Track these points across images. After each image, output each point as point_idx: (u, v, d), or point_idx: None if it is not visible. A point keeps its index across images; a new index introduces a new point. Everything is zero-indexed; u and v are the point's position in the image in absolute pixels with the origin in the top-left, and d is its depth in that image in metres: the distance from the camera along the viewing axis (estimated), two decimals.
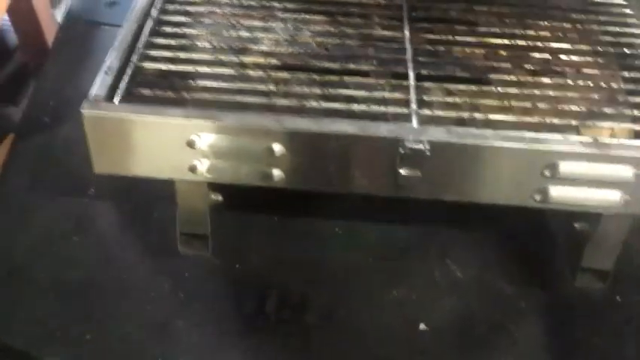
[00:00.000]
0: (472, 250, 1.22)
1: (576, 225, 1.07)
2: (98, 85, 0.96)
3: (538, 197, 0.96)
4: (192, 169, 0.96)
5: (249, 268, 1.17)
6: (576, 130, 0.99)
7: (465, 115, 0.98)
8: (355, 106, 0.98)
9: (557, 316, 1.13)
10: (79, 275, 1.13)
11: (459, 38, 1.11)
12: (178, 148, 0.94)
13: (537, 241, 1.21)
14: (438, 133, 0.93)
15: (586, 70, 1.07)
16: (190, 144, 0.93)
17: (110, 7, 1.49)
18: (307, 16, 1.15)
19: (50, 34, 1.51)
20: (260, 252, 1.19)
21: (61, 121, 1.34)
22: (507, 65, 1.07)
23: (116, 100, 0.95)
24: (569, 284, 1.14)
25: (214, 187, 1.06)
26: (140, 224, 1.21)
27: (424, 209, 1.25)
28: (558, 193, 0.95)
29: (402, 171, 0.94)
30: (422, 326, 1.11)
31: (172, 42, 1.07)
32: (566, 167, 0.92)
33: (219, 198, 1.07)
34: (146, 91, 0.97)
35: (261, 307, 1.12)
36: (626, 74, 1.07)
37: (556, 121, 0.98)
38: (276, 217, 1.23)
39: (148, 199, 1.22)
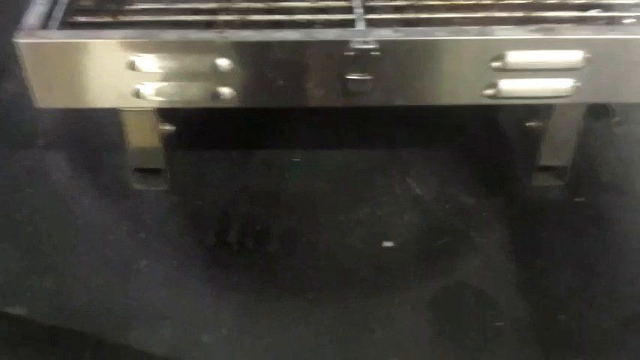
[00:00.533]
0: (433, 168, 1.21)
1: (529, 124, 1.06)
2: (32, 15, 0.92)
3: (490, 92, 0.95)
4: (136, 93, 0.93)
5: (209, 202, 1.15)
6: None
7: (412, 15, 0.97)
8: (299, 17, 0.96)
9: (520, 219, 1.13)
10: (35, 226, 1.10)
11: None
12: (120, 71, 0.91)
13: (496, 150, 1.21)
14: (384, 32, 0.91)
15: None
16: (131, 66, 0.90)
17: None
18: None
19: None
20: (219, 186, 1.17)
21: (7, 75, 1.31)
22: None
23: (52, 27, 0.91)
24: (530, 187, 1.15)
25: (165, 117, 1.04)
26: (95, 171, 1.18)
27: (384, 133, 1.25)
28: (509, 85, 0.94)
29: (352, 76, 0.92)
30: (386, 243, 1.10)
31: None
32: (513, 57, 0.92)
33: (172, 128, 1.04)
34: (82, 18, 0.94)
35: (223, 238, 1.10)
36: None
37: (502, 14, 0.97)
38: (234, 150, 1.21)
39: (100, 145, 1.20)
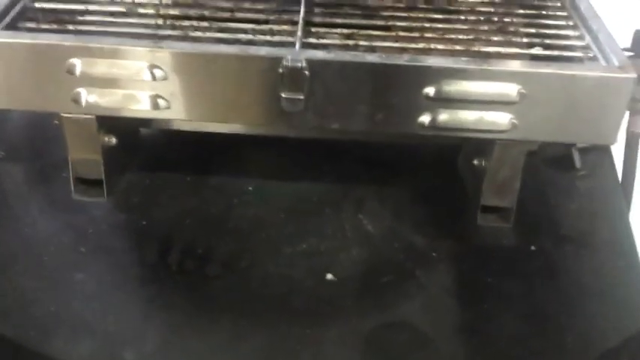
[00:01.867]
0: (386, 205, 1.19)
1: (474, 161, 1.05)
2: None
3: (424, 121, 0.94)
4: (76, 98, 0.95)
5: (154, 222, 1.14)
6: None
7: (351, 42, 0.98)
8: (241, 36, 0.98)
9: (469, 262, 1.09)
10: None
11: None
12: (57, 75, 0.93)
13: (450, 189, 1.19)
14: (318, 53, 0.92)
15: (480, 9, 1.07)
16: (70, 70, 0.93)
17: None
18: None
19: None
20: (167, 207, 1.16)
21: None
22: (402, 5, 1.07)
23: None
24: (481, 230, 1.12)
25: (106, 128, 1.05)
26: (48, 181, 1.19)
27: (338, 168, 1.25)
28: (443, 116, 0.94)
29: (284, 94, 0.93)
30: (329, 276, 1.08)
31: None
32: (447, 87, 0.91)
33: (113, 140, 1.05)
34: (30, 24, 0.98)
35: (164, 258, 1.09)
36: (521, 11, 1.07)
37: (441, 46, 0.97)
38: (186, 174, 1.22)
39: (55, 154, 1.21)
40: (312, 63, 0.91)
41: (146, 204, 1.16)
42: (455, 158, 1.21)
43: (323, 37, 0.99)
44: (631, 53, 1.11)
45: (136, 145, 1.18)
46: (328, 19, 1.03)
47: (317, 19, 1.03)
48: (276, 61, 0.91)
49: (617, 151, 1.28)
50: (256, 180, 1.22)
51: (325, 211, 1.18)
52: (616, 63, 0.92)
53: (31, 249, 1.09)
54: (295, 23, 1.01)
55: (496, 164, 1.01)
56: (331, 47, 0.96)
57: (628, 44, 1.23)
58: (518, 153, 1.00)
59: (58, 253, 1.09)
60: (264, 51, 0.92)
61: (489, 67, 0.91)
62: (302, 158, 1.24)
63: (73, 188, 1.10)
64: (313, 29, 1.00)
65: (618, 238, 1.15)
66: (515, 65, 0.92)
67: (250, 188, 1.21)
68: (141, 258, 1.09)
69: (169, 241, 1.11)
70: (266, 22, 1.02)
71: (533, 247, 1.12)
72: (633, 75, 0.89)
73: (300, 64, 0.91)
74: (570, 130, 0.95)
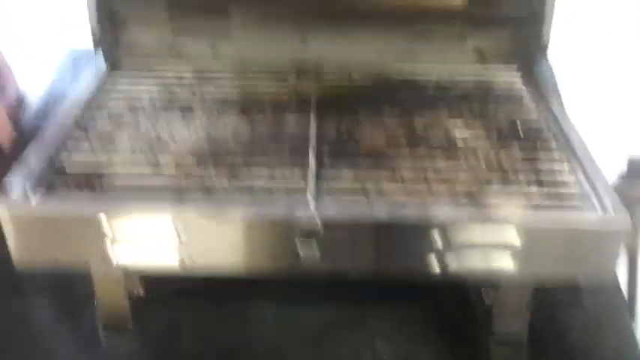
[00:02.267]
0: (399, 327, 1.25)
1: (483, 297, 1.10)
2: (16, 184, 1.03)
3: (435, 268, 1.00)
4: (106, 257, 1.01)
5: (177, 356, 1.20)
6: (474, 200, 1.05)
7: (359, 188, 1.04)
8: (257, 192, 1.05)
9: None
10: None
11: (362, 125, 1.19)
12: (90, 236, 0.99)
13: (460, 312, 1.24)
14: (331, 210, 0.99)
15: (481, 148, 1.14)
16: (100, 232, 0.99)
17: None
18: (224, 114, 1.24)
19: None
20: (189, 338, 1.22)
21: None
22: (406, 147, 1.14)
23: (32, 197, 1.02)
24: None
25: (134, 280, 1.11)
26: (75, 321, 1.25)
27: (352, 292, 1.30)
28: (452, 263, 0.99)
29: (301, 251, 0.99)
30: None
31: (92, 142, 1.15)
32: (451, 236, 0.97)
33: (141, 292, 1.11)
34: (63, 189, 1.05)
35: None
36: (519, 152, 1.14)
37: (445, 194, 1.03)
38: (205, 304, 1.27)
39: (85, 296, 1.27)
40: (326, 222, 0.97)
41: (169, 340, 1.21)
42: (464, 286, 1.26)
43: (332, 187, 1.06)
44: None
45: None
46: (336, 166, 1.10)
47: (327, 170, 1.10)
48: (292, 221, 0.98)
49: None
50: (273, 306, 1.28)
51: (343, 337, 1.24)
52: (611, 211, 0.98)
53: None
54: (305, 171, 1.08)
55: (502, 302, 1.06)
56: (342, 196, 1.03)
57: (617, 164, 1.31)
58: (523, 292, 1.05)
59: None
60: (280, 211, 0.99)
61: (494, 220, 0.97)
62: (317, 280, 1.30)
63: (101, 335, 1.15)
64: (325, 183, 1.07)
65: (624, 353, 1.19)
66: (517, 216, 0.98)
67: (267, 314, 1.27)
68: None
69: None
70: (280, 175, 1.09)
71: None
72: (628, 225, 0.95)
73: (315, 225, 0.97)
74: (570, 272, 1.01)
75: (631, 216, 0.97)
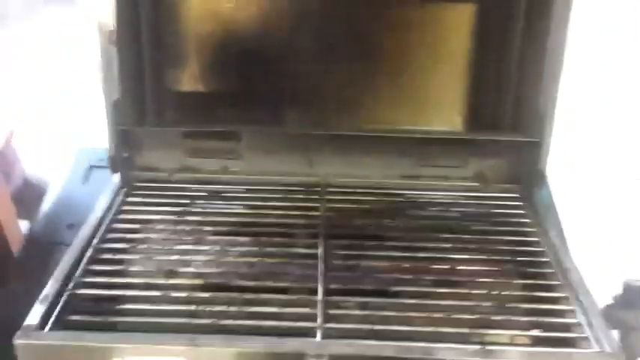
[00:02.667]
0: None
1: None
2: (32, 315, 1.06)
3: None
4: None
5: None
6: (477, 338, 1.08)
7: (367, 327, 1.08)
8: (267, 323, 1.08)
9: None
10: None
11: (368, 253, 1.24)
12: None
13: None
14: (339, 347, 1.02)
15: (482, 279, 1.18)
16: None
17: (69, 229, 1.63)
18: (235, 238, 1.28)
19: (15, 244, 1.64)
20: None
21: None
22: (410, 277, 1.18)
23: (47, 328, 1.05)
24: None
25: None
26: None
27: None
28: None
29: None
30: None
31: (107, 268, 1.19)
32: None
33: None
34: (76, 318, 1.08)
35: None
36: (519, 281, 1.18)
37: (449, 330, 1.07)
38: None
39: None
40: (333, 358, 1.00)
41: None
42: None
43: (341, 319, 1.09)
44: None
45: None
46: (344, 298, 1.13)
47: (334, 298, 1.13)
48: (301, 356, 1.01)
49: None
50: None
51: None
52: (608, 349, 1.02)
53: None
54: (314, 303, 1.12)
55: None
56: (351, 333, 1.06)
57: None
58: None
59: None
60: (288, 347, 1.02)
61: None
62: None
63: None
64: (332, 311, 1.10)
65: None
66: (517, 357, 1.01)
67: None
68: None
69: None
70: (289, 303, 1.13)
71: None
72: None
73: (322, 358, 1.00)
74: None
75: (623, 341, 1.00)
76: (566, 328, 1.09)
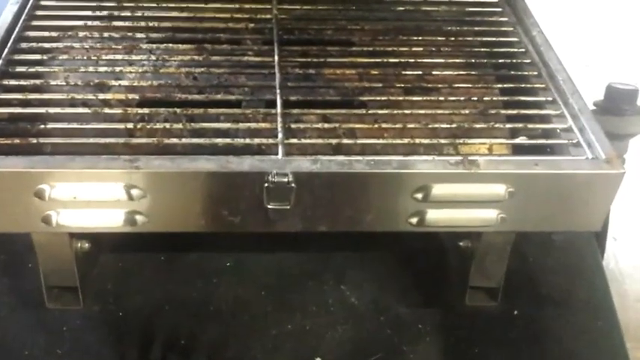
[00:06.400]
0: (367, 274, 1.18)
1: (461, 243, 1.04)
2: None
3: (414, 221, 0.93)
4: (46, 220, 0.89)
5: (131, 314, 1.10)
6: (453, 148, 0.97)
7: (334, 141, 0.95)
8: (219, 140, 0.93)
9: (454, 334, 1.11)
10: None
11: (330, 60, 1.08)
12: (26, 199, 0.87)
13: (432, 260, 1.18)
14: (303, 164, 0.89)
15: (459, 85, 1.05)
16: (39, 194, 0.87)
17: None
18: (173, 46, 1.10)
19: None
20: (144, 295, 1.12)
21: None
22: (379, 85, 1.04)
23: None
24: (464, 302, 1.12)
25: (79, 234, 1.00)
26: (12, 277, 1.13)
27: (317, 235, 1.22)
28: (433, 215, 0.92)
29: (271, 206, 0.89)
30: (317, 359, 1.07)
31: (24, 83, 1.00)
32: (436, 190, 0.90)
33: (86, 245, 1.00)
34: None
35: (146, 354, 1.06)
36: (500, 85, 1.06)
37: (426, 141, 0.95)
38: (160, 255, 1.17)
39: (21, 249, 1.15)
40: (298, 176, 0.88)
41: (121, 292, 1.12)
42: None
43: (304, 136, 0.95)
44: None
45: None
46: (305, 111, 0.99)
47: (295, 111, 0.99)
48: (261, 175, 0.88)
49: None
50: (234, 255, 1.19)
51: (308, 285, 1.17)
52: (602, 154, 0.92)
53: (3, 356, 1.05)
54: (273, 116, 0.97)
55: (484, 250, 1.01)
56: (315, 149, 0.93)
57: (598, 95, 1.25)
58: (505, 240, 1.00)
59: (33, 358, 1.04)
60: (247, 165, 0.88)
61: (480, 171, 0.89)
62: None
63: (46, 297, 1.04)
64: (293, 125, 0.96)
65: (596, 296, 1.17)
66: (503, 167, 0.90)
67: (228, 264, 1.18)
68: (122, 356, 1.06)
69: (150, 333, 1.08)
70: (243, 117, 0.98)
71: (515, 312, 1.13)
72: (622, 170, 0.89)
73: (286, 179, 0.87)
74: (557, 220, 0.95)
75: None
76: (555, 134, 0.98)
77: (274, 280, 1.17)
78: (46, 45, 1.07)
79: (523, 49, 1.11)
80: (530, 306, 1.13)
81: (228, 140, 0.94)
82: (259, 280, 1.16)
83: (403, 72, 1.07)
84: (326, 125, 0.97)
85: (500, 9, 1.20)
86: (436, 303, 1.13)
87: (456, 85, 1.05)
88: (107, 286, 1.11)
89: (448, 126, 0.97)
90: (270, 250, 1.19)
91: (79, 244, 1.00)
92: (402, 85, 1.05)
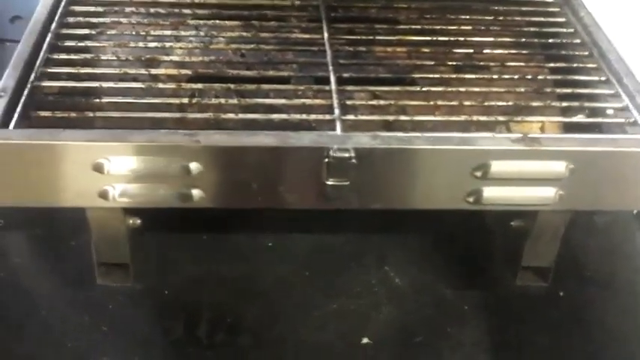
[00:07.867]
0: (410, 255, 1.18)
1: (513, 223, 1.04)
2: None
3: (471, 199, 0.92)
4: (104, 195, 0.88)
5: (177, 292, 1.09)
6: (505, 126, 0.96)
7: (391, 118, 0.94)
8: (275, 116, 0.92)
9: (500, 315, 1.09)
10: None
11: (379, 37, 1.07)
12: (85, 173, 0.86)
13: (476, 240, 1.18)
14: (363, 139, 0.88)
15: (510, 64, 1.04)
16: (98, 168, 0.86)
17: (13, 22, 1.39)
18: (220, 22, 1.09)
19: None
20: (188, 274, 1.12)
21: None
22: (430, 63, 1.03)
23: (11, 125, 0.86)
24: (510, 283, 1.11)
25: (131, 210, 0.99)
26: (57, 254, 1.12)
27: (359, 215, 1.21)
28: (491, 193, 0.91)
29: (330, 182, 0.89)
30: (364, 340, 1.06)
31: (74, 57, 0.99)
32: (496, 167, 0.89)
33: (138, 222, 0.99)
34: (45, 113, 0.89)
35: (192, 332, 1.05)
36: (551, 65, 1.05)
37: (483, 118, 0.94)
38: (203, 234, 1.17)
39: (64, 226, 1.13)
40: (358, 152, 0.87)
41: (166, 271, 1.11)
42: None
43: (360, 112, 0.94)
44: None
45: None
46: (360, 87, 0.98)
47: (349, 88, 0.98)
48: (321, 150, 0.87)
49: None
50: (275, 235, 1.18)
51: (349, 265, 1.16)
52: None
53: (51, 332, 1.04)
54: (328, 93, 0.96)
55: (539, 229, 1.00)
56: (372, 125, 0.92)
57: None
58: (560, 219, 0.99)
59: (79, 335, 1.03)
60: (307, 140, 0.87)
61: (540, 148, 0.88)
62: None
63: (97, 273, 1.03)
64: (349, 102, 0.95)
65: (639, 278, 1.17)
66: (564, 144, 0.90)
67: (270, 244, 1.17)
68: (168, 333, 1.05)
69: (196, 312, 1.07)
70: (294, 94, 0.97)
71: (561, 293, 1.13)
72: None
73: (346, 154, 0.86)
74: (610, 199, 0.95)
75: None
76: (610, 113, 0.97)
77: (317, 260, 1.16)
78: (93, 20, 1.06)
79: (572, 30, 1.11)
80: (575, 287, 1.13)
81: (284, 116, 0.93)
82: (302, 261, 1.15)
83: (453, 50, 1.06)
84: (381, 102, 0.96)
85: None
86: (481, 284, 1.13)
87: (507, 64, 1.04)
88: (152, 263, 1.10)
89: (505, 103, 0.97)
90: (310, 230, 1.19)
91: (131, 221, 0.99)
92: (453, 63, 1.04)
